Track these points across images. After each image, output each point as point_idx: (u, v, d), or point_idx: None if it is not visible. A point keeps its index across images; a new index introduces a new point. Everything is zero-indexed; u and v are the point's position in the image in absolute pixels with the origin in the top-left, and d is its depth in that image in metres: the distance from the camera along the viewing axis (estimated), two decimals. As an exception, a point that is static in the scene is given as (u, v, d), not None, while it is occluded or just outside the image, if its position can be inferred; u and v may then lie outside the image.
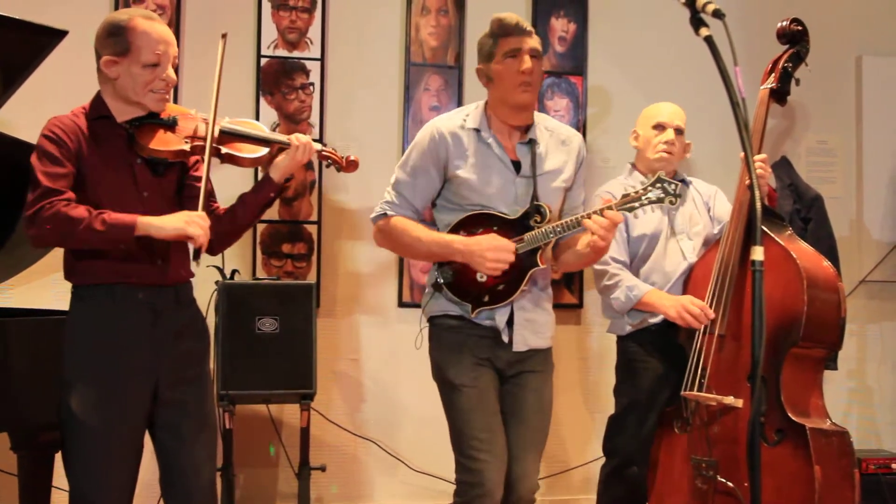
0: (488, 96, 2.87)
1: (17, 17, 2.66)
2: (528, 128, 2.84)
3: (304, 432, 3.65)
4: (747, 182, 2.84)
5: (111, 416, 2.37)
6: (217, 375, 3.46)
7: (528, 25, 2.81)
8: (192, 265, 2.53)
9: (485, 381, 2.77)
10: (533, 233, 2.71)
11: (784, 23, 3.28)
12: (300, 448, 3.66)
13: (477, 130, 2.81)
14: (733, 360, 2.99)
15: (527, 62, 2.74)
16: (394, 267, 4.13)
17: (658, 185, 2.61)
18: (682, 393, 3.07)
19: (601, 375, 4.19)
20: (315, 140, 2.67)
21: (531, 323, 2.81)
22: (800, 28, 3.27)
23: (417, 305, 4.15)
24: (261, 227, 4.02)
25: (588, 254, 2.77)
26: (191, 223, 2.37)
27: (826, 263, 3.03)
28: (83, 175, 2.39)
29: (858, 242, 4.57)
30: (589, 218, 2.63)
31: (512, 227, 2.74)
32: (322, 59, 4.10)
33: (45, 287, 3.61)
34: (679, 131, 3.37)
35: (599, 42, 4.38)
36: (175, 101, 3.58)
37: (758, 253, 1.93)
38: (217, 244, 2.63)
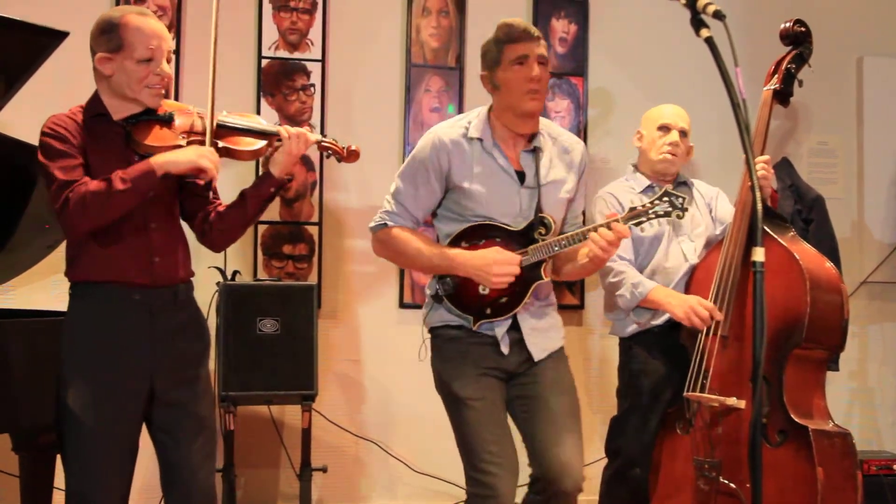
0: (493, 103, 2.78)
1: (18, 19, 2.66)
2: (532, 135, 2.77)
3: (306, 433, 3.65)
4: (749, 183, 2.83)
5: (106, 415, 2.37)
6: (218, 376, 3.47)
7: (535, 31, 2.73)
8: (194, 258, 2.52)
9: (490, 392, 2.71)
10: (537, 245, 2.66)
11: (787, 24, 3.28)
12: (301, 449, 3.67)
13: (480, 140, 2.73)
14: (736, 361, 2.99)
15: (535, 69, 2.67)
16: (395, 268, 4.13)
17: (665, 198, 2.56)
18: (685, 394, 3.06)
19: (603, 376, 4.19)
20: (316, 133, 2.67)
21: (539, 332, 2.76)
22: (803, 29, 3.27)
23: (418, 307, 4.15)
24: (262, 229, 4.02)
25: (587, 264, 2.71)
26: (202, 156, 2.40)
27: (829, 265, 3.03)
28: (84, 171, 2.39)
29: (860, 243, 4.57)
30: (595, 231, 2.57)
31: (515, 239, 2.68)
32: (323, 61, 4.10)
33: (45, 288, 3.61)
34: (683, 133, 3.37)
35: (600, 43, 4.38)
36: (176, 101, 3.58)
37: (759, 254, 1.93)
38: (219, 241, 2.63)
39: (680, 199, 2.56)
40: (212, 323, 3.19)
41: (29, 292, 3.67)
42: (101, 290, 2.42)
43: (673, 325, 3.18)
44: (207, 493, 2.52)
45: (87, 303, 2.43)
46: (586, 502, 4.17)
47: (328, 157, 2.73)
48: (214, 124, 2.51)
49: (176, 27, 3.94)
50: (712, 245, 3.28)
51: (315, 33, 4.10)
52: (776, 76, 3.25)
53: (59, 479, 2.69)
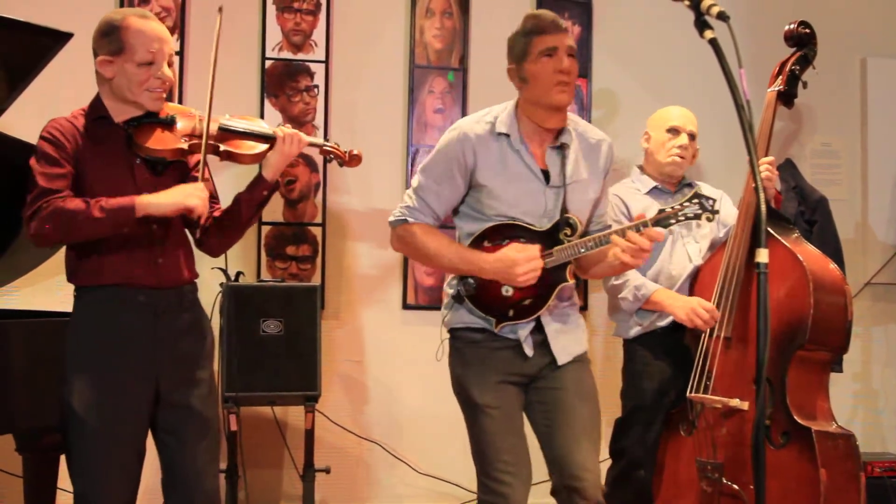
0: (520, 97, 2.69)
1: (22, 20, 2.67)
2: (559, 131, 2.68)
3: (309, 434, 3.65)
4: (753, 185, 2.83)
5: (110, 416, 2.37)
6: (222, 377, 3.47)
7: (563, 23, 2.66)
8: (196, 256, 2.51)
9: (509, 400, 2.65)
10: (563, 247, 2.58)
11: (792, 25, 3.28)
12: (305, 450, 3.66)
13: (507, 136, 2.64)
14: (739, 362, 2.99)
15: (565, 61, 2.59)
16: (398, 269, 4.13)
17: (695, 199, 2.49)
18: (688, 395, 3.06)
19: (607, 378, 4.17)
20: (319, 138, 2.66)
21: (564, 334, 2.69)
22: (808, 31, 3.27)
23: (422, 308, 4.17)
24: (265, 230, 4.02)
25: (616, 265, 2.60)
26: (189, 195, 2.38)
27: (833, 266, 3.02)
28: (83, 176, 2.39)
29: (863, 244, 4.56)
30: (623, 235, 2.48)
31: (540, 240, 2.59)
32: (326, 62, 4.10)
33: (50, 289, 3.62)
34: (692, 136, 3.37)
35: (604, 44, 4.37)
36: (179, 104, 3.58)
37: (762, 255, 1.92)
38: (216, 246, 2.63)
39: (710, 202, 2.50)
40: (215, 324, 3.19)
41: (33, 294, 3.68)
42: (106, 293, 2.42)
43: (676, 327, 3.18)
44: (211, 496, 2.51)
45: (92, 304, 2.43)
46: None
47: (330, 161, 2.73)
48: (214, 129, 2.51)
49: (180, 28, 3.94)
50: (716, 247, 3.27)
51: (319, 34, 4.10)
52: (780, 78, 3.25)
53: (63, 480, 2.69)
